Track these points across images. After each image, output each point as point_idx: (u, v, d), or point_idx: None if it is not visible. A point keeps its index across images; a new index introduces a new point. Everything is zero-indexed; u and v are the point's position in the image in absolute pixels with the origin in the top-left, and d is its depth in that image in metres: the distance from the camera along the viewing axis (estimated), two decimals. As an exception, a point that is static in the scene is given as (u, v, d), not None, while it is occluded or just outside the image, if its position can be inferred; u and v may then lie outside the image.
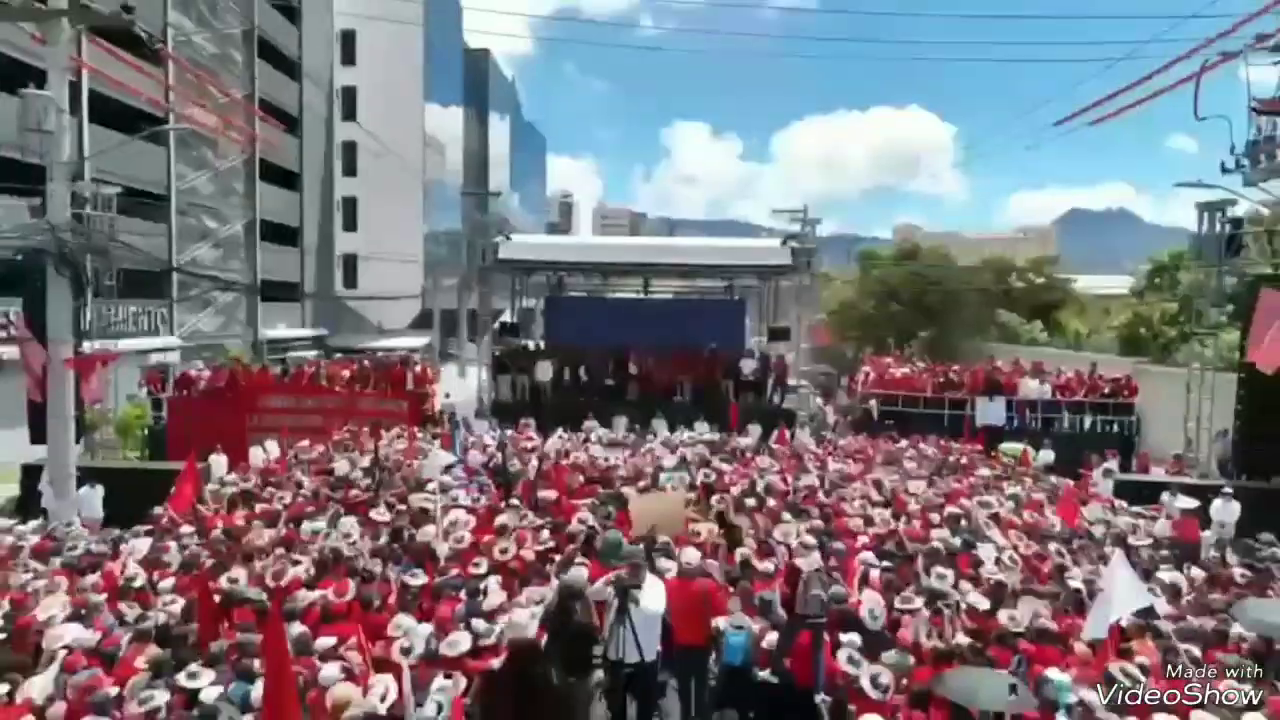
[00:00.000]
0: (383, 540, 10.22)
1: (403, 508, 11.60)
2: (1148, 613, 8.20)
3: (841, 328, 43.52)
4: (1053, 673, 6.82)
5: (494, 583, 8.53)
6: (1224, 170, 12.57)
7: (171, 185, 29.20)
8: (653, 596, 5.92)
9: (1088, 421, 20.27)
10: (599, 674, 5.82)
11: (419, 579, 8.78)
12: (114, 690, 6.24)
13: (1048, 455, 18.07)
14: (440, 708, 5.92)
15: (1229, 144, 12.15)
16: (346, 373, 21.69)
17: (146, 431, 19.61)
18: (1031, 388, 20.85)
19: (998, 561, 9.64)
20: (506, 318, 29.10)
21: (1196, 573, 9.84)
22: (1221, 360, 18.31)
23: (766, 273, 27.23)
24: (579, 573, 6.90)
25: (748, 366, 23.93)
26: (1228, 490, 13.76)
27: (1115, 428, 20.06)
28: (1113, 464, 17.24)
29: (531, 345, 27.13)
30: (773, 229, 38.88)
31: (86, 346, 14.81)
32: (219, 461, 15.54)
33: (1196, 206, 16.35)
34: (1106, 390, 20.47)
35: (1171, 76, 12.98)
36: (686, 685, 6.73)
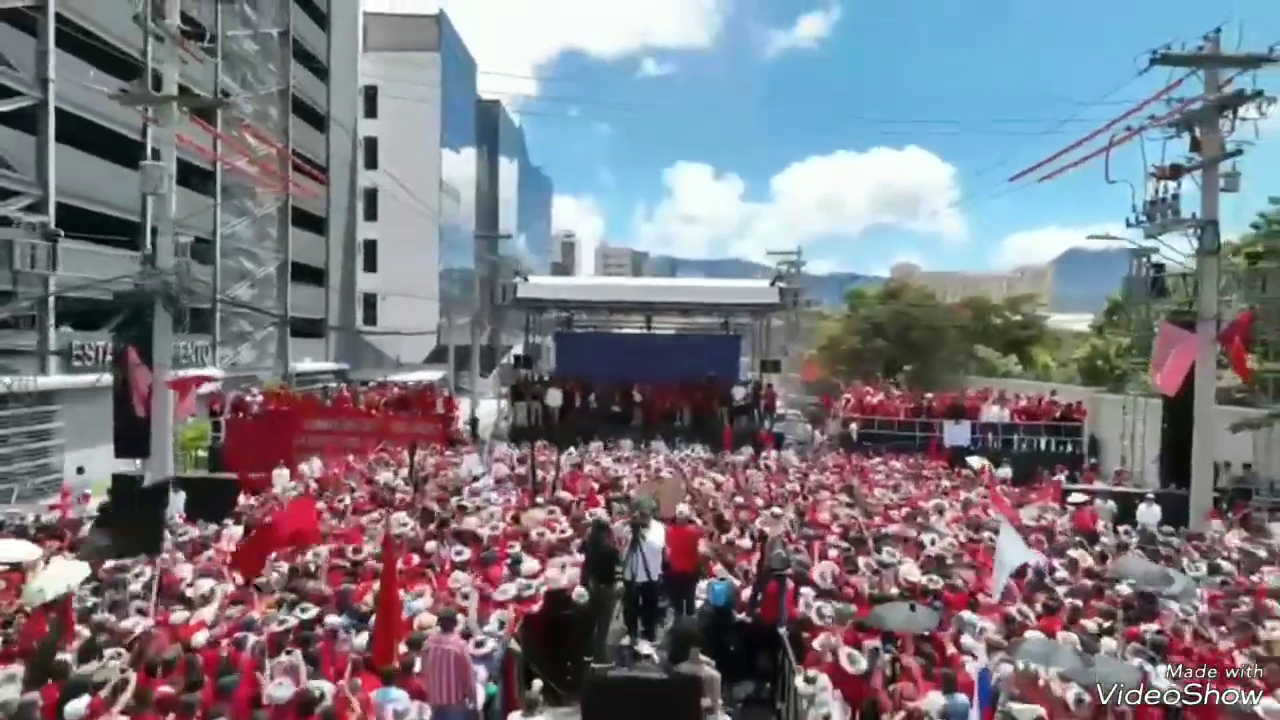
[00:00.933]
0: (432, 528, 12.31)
1: (442, 506, 13.72)
2: (1041, 577, 10.32)
3: (831, 362, 45.63)
4: (965, 613, 8.89)
5: (527, 556, 10.63)
6: (1128, 224, 14.77)
7: (216, 231, 31.61)
8: (656, 534, 8.02)
9: (1042, 442, 22.31)
10: (620, 585, 7.89)
11: (465, 555, 10.87)
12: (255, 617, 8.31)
13: (1005, 471, 20.07)
14: (501, 623, 7.98)
15: (1130, 204, 14.41)
16: (382, 399, 23.84)
17: (206, 451, 21.69)
18: (993, 412, 22.95)
19: (933, 543, 11.72)
20: (518, 351, 31.18)
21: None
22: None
23: (759, 310, 29.39)
24: (604, 514, 9.00)
25: (739, 394, 26.03)
26: (1150, 496, 15.81)
27: (1068, 447, 22.10)
28: (1060, 478, 19.29)
29: (545, 376, 29.09)
30: (770, 268, 41.25)
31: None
32: (282, 474, 17.56)
33: (1127, 253, 18.56)
34: (1058, 414, 22.57)
35: (1092, 146, 15.21)
36: (679, 600, 8.78)
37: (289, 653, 7.26)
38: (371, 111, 54.07)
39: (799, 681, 7.24)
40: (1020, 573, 10.32)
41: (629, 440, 22.43)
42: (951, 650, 7.98)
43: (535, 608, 9.25)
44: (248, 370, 34.78)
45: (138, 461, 17.49)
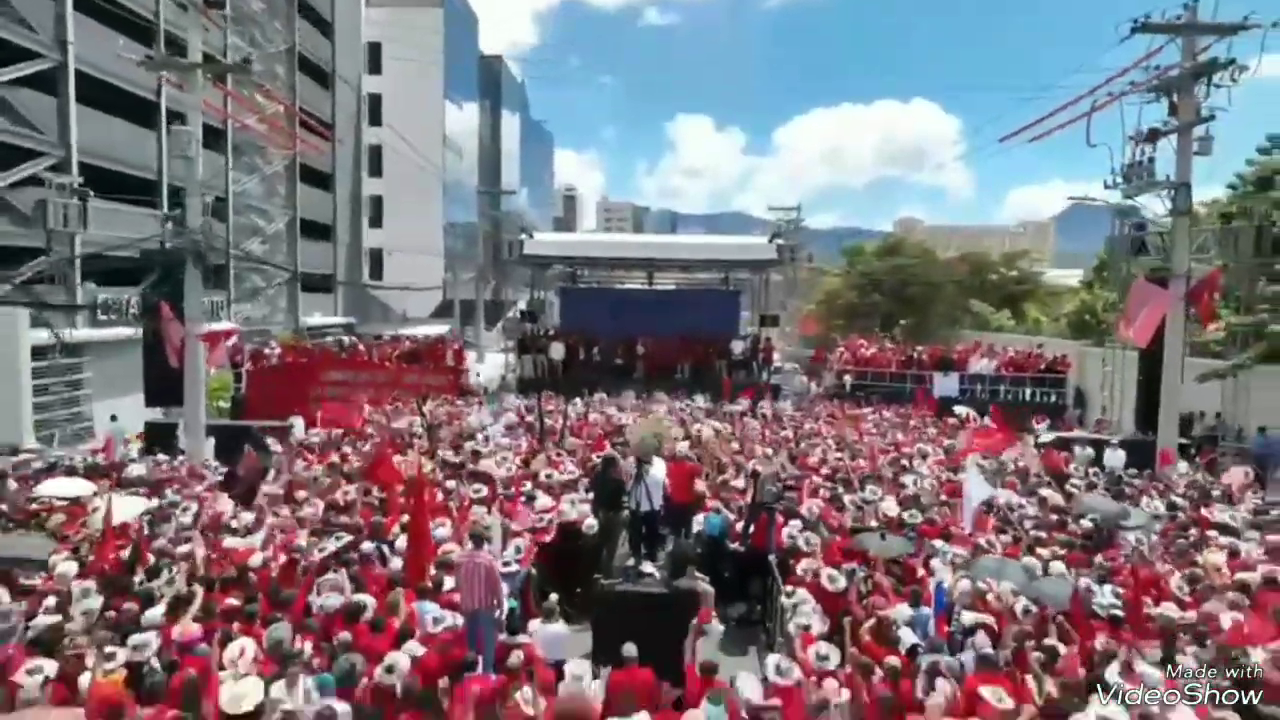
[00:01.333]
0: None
1: (456, 453, 14.69)
2: (1010, 512, 11.24)
3: (829, 316, 46.34)
4: (936, 541, 9.82)
5: (541, 494, 11.56)
6: (1106, 186, 15.42)
7: (229, 189, 32.15)
8: (658, 469, 8.92)
9: (1027, 393, 23.17)
10: (626, 513, 8.84)
11: (483, 492, 11.82)
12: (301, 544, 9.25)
13: (989, 420, 20.97)
14: (519, 549, 8.91)
15: (1110, 167, 15.04)
16: (395, 351, 24.71)
17: (228, 402, 22.60)
18: (980, 364, 23.80)
19: (915, 483, 12.65)
20: (522, 306, 31.85)
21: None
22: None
23: (757, 266, 30.03)
24: (613, 451, 9.93)
25: (738, 348, 26.87)
26: (1115, 441, 16.72)
27: (1052, 397, 22.98)
28: (1041, 426, 20.19)
29: (550, 330, 29.85)
30: (772, 222, 41.69)
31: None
32: (298, 422, 18.45)
33: (1110, 212, 19.21)
34: (1044, 367, 23.43)
35: (1078, 110, 15.78)
36: (678, 528, 9.74)
37: (335, 572, 8.21)
38: (375, 68, 54.09)
39: (783, 597, 8.17)
40: (993, 509, 11.29)
41: (631, 392, 23.26)
42: (921, 573, 8.91)
43: (548, 538, 10.21)
44: (260, 325, 35.56)
45: (160, 411, 18.46)
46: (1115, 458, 16.05)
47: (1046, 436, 16.28)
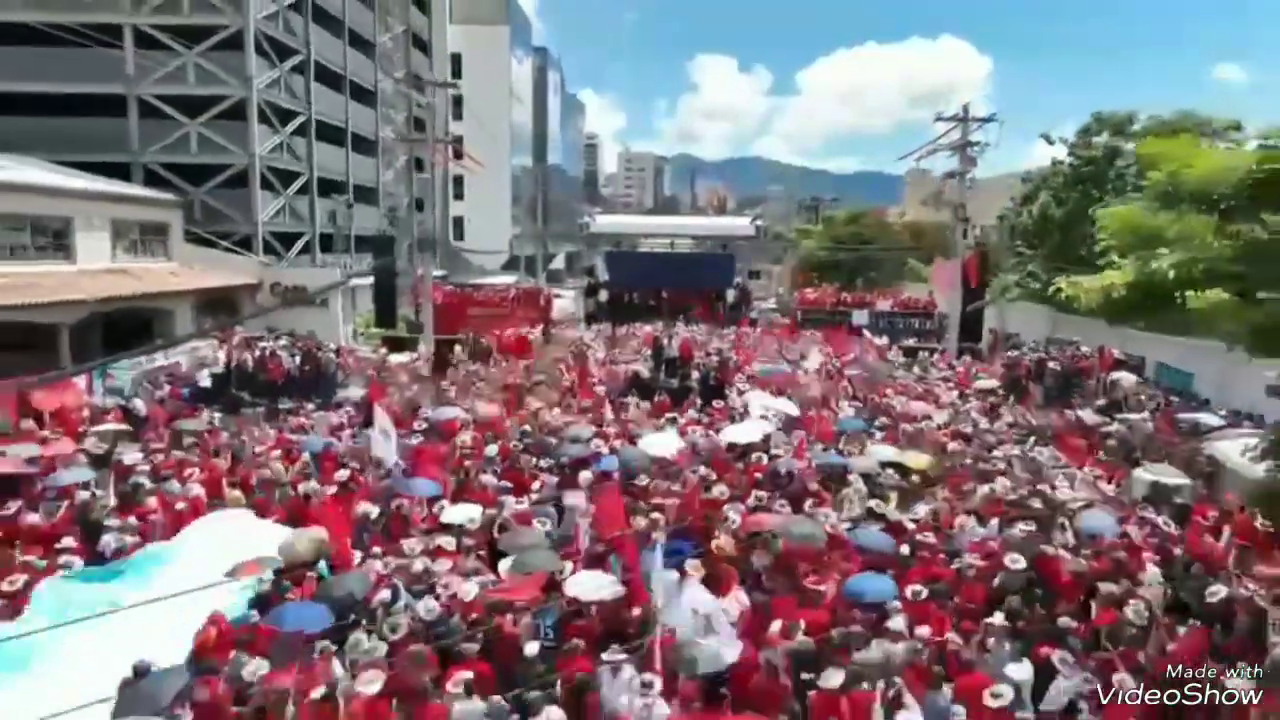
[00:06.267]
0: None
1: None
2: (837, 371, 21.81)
3: (806, 270, 56.40)
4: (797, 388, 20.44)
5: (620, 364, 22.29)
6: (922, 203, 25.53)
7: (379, 182, 42.61)
8: (676, 340, 19.65)
9: (910, 322, 33.43)
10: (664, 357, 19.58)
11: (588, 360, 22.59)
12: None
13: (883, 340, 31.34)
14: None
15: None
16: (511, 294, 35.57)
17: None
18: (882, 304, 34.23)
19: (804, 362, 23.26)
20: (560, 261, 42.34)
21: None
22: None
23: (745, 239, 40.42)
24: (658, 334, 20.79)
25: (731, 295, 37.38)
26: (938, 347, 27.13)
27: (926, 325, 33.23)
28: (910, 342, 30.57)
29: (602, 281, 40.28)
30: (791, 166, 51.24)
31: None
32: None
33: (951, 208, 29.26)
34: (921, 306, 33.76)
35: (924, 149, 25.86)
36: (685, 371, 20.39)
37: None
38: (456, 73, 63.77)
39: (729, 392, 18.90)
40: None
41: (660, 323, 33.78)
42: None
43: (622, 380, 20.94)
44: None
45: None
46: (929, 358, 26.53)
47: (879, 341, 26.88)
